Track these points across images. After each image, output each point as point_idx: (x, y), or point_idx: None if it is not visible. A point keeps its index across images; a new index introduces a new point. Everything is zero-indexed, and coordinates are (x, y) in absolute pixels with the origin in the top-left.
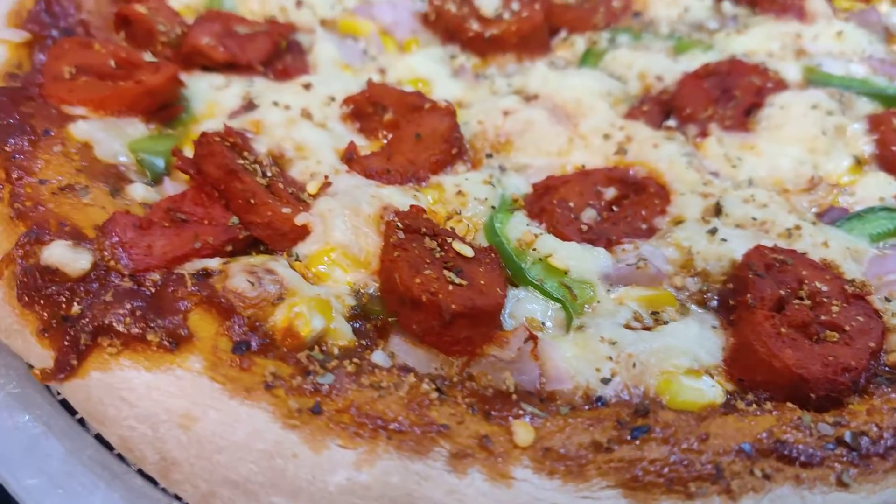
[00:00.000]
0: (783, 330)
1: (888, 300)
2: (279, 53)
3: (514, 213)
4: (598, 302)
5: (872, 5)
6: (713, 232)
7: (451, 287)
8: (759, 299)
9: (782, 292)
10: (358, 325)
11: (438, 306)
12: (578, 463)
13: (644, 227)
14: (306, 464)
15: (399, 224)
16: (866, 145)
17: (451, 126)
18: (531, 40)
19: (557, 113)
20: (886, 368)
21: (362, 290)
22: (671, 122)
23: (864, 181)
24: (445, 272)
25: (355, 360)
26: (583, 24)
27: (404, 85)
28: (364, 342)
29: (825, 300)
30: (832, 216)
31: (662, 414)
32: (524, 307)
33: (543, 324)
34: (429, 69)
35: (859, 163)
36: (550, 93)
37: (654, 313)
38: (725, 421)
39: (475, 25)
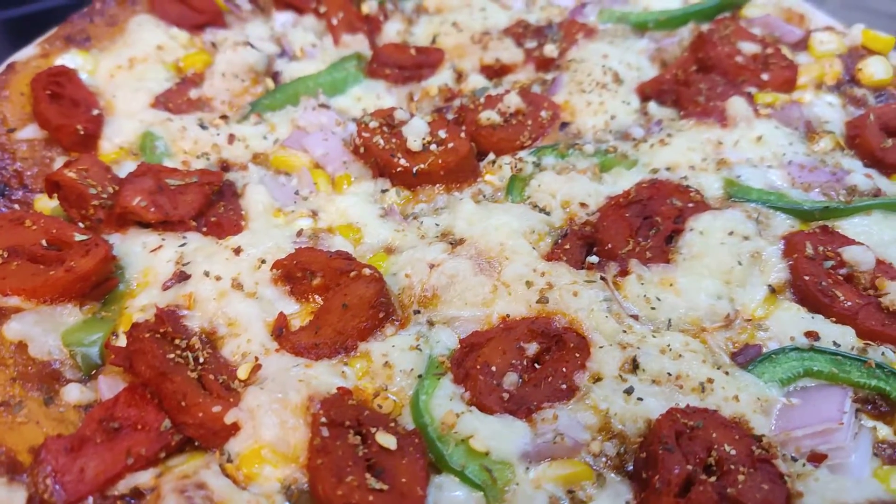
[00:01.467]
0: None
1: (794, 459)
2: (212, 203)
3: (439, 379)
4: (517, 484)
5: (795, 100)
6: (629, 392)
7: (371, 498)
8: (666, 483)
9: (690, 467)
10: None
11: None
12: None
13: (564, 386)
14: None
15: (324, 419)
16: (781, 272)
17: (376, 292)
18: (459, 171)
19: (481, 261)
20: None
21: (293, 487)
22: (593, 259)
23: (778, 315)
24: (367, 476)
25: None
26: (510, 145)
27: (336, 232)
28: None
29: (732, 467)
30: (747, 355)
31: None
32: (446, 496)
33: None
34: (359, 212)
35: (774, 292)
36: (475, 236)
37: (570, 492)
38: None
39: (403, 161)
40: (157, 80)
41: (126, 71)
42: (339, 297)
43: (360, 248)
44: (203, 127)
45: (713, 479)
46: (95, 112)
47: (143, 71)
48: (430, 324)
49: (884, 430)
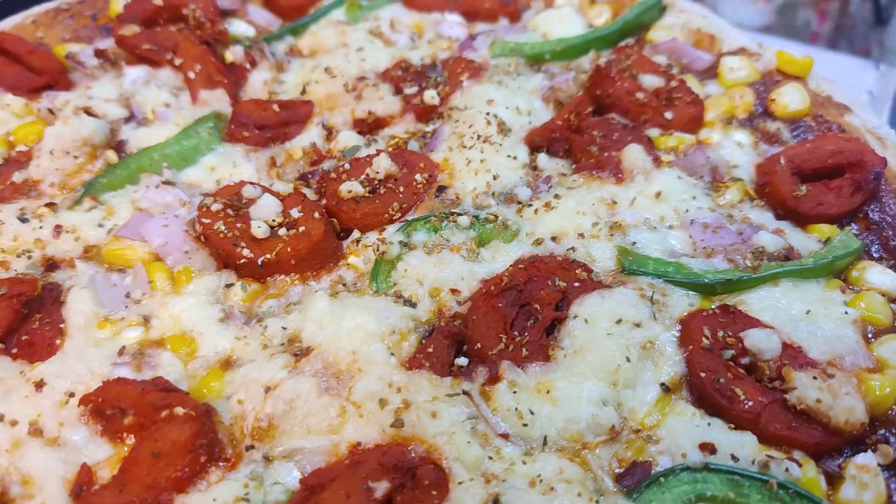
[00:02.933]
0: None
1: None
2: (25, 317)
3: None
4: None
5: (700, 143)
6: None
7: None
8: None
9: None
10: None
11: None
12: None
13: None
14: None
15: None
16: (676, 365)
17: (193, 434)
18: (313, 258)
19: (328, 377)
20: None
21: None
22: (462, 361)
23: (670, 422)
24: None
25: None
26: (376, 219)
27: (166, 346)
28: None
29: None
30: (635, 477)
31: None
32: None
33: None
34: (195, 318)
35: (669, 391)
36: (324, 344)
37: None
38: None
39: (246, 251)
40: None
41: None
42: (148, 444)
43: (192, 365)
44: (23, 220)
45: None
46: None
47: None
48: (268, 460)
49: None
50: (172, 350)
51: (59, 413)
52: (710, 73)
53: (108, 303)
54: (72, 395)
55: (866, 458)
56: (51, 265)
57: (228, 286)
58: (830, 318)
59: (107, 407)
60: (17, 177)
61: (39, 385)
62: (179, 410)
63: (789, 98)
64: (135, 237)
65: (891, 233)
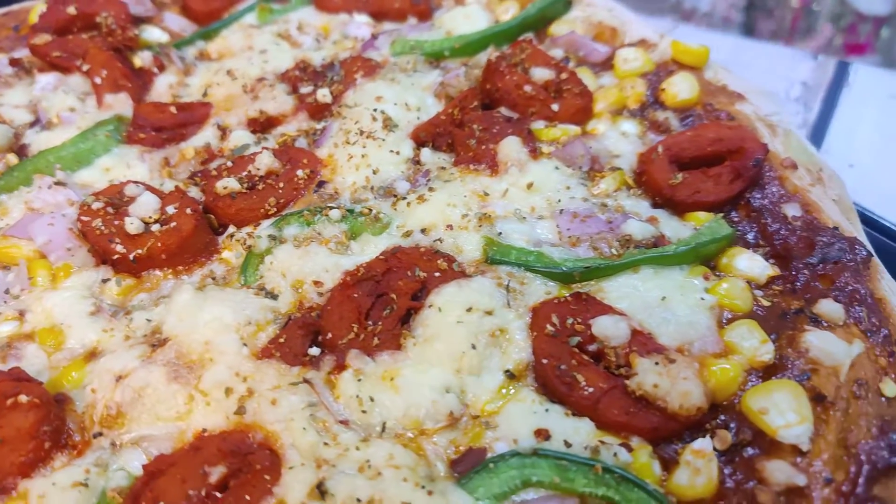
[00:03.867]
0: None
1: None
2: None
3: None
4: None
5: (580, 135)
6: None
7: None
8: None
9: None
10: None
11: None
12: None
13: None
14: None
15: None
16: (524, 352)
17: (37, 420)
18: (184, 253)
19: (178, 366)
20: None
21: None
22: (314, 351)
23: (509, 409)
24: None
25: None
26: (252, 215)
27: (35, 339)
28: None
29: None
30: (468, 462)
31: None
32: None
33: None
34: (66, 311)
35: (514, 378)
36: (181, 335)
37: None
38: None
39: (120, 247)
40: None
41: None
42: None
43: (56, 357)
44: None
45: None
46: None
47: None
48: (115, 447)
49: None
50: (40, 342)
51: None
52: (607, 65)
53: None
54: None
55: (703, 444)
56: None
57: (105, 281)
58: (686, 305)
59: None
60: None
61: None
62: (23, 398)
63: (679, 87)
64: (22, 236)
65: (770, 220)
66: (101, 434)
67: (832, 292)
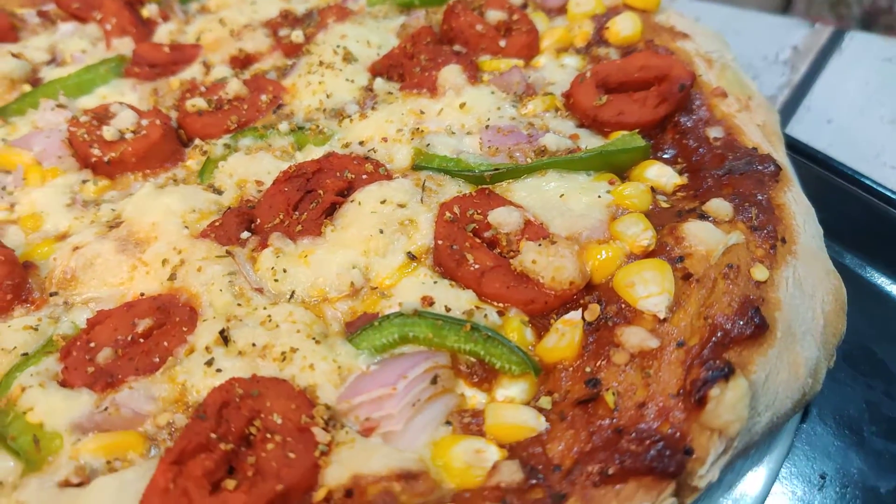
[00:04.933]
0: (173, 484)
1: (343, 426)
2: None
3: (41, 359)
4: (61, 454)
5: (519, 67)
6: (210, 363)
7: None
8: (172, 450)
9: (213, 435)
10: None
11: None
12: None
13: (157, 360)
14: None
15: None
16: (426, 238)
17: (2, 276)
18: (152, 158)
19: (128, 241)
20: None
21: None
22: (245, 235)
23: (404, 282)
24: None
25: None
26: (216, 129)
27: (17, 223)
28: None
29: (269, 436)
30: (360, 323)
31: None
32: None
33: (0, 483)
34: (47, 202)
35: (414, 259)
36: (134, 217)
37: (109, 462)
38: None
39: (97, 150)
40: None
41: None
42: None
43: (33, 236)
44: None
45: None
46: None
47: None
48: (67, 305)
49: (478, 398)
50: (21, 226)
51: None
52: (563, 10)
53: None
54: None
55: (573, 315)
56: None
57: (84, 182)
58: (583, 202)
59: None
60: None
61: None
62: None
63: (622, 25)
64: (23, 147)
65: (691, 140)
66: (56, 294)
67: (730, 197)
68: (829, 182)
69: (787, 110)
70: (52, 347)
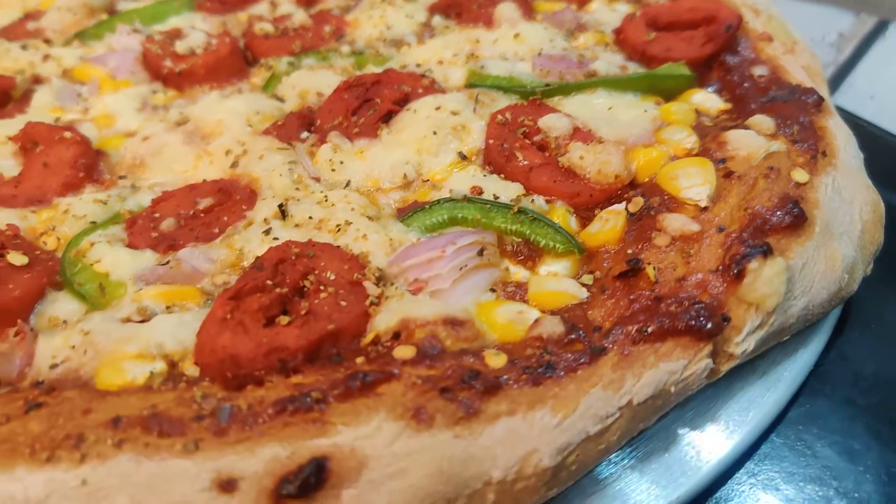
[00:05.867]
0: (230, 316)
1: (393, 284)
2: (4, 102)
3: (108, 227)
4: (124, 299)
5: (571, 8)
6: (267, 232)
7: None
8: (230, 289)
9: (270, 282)
10: None
11: None
12: None
13: (217, 231)
14: None
15: None
16: (477, 141)
17: (77, 154)
18: (220, 71)
19: (194, 135)
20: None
21: None
22: (304, 135)
23: (456, 176)
24: None
25: None
26: (281, 51)
27: (97, 120)
28: None
29: (322, 287)
30: (411, 209)
31: (67, 392)
32: (56, 307)
33: (65, 321)
34: (119, 106)
35: (465, 158)
36: (201, 116)
37: (168, 308)
38: (126, 399)
39: (169, 63)
40: (10, 18)
41: None
42: (42, 157)
43: (105, 131)
44: (24, 48)
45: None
46: None
47: (1, 12)
48: (135, 188)
49: (522, 274)
50: (94, 122)
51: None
52: None
53: (64, 100)
54: (9, 138)
55: (617, 206)
56: (36, 80)
57: (154, 92)
58: (630, 115)
59: (27, 141)
60: (31, 25)
61: None
62: (67, 135)
63: None
64: (99, 64)
65: (736, 76)
66: (124, 177)
67: (773, 118)
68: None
69: (832, 85)
70: (118, 220)
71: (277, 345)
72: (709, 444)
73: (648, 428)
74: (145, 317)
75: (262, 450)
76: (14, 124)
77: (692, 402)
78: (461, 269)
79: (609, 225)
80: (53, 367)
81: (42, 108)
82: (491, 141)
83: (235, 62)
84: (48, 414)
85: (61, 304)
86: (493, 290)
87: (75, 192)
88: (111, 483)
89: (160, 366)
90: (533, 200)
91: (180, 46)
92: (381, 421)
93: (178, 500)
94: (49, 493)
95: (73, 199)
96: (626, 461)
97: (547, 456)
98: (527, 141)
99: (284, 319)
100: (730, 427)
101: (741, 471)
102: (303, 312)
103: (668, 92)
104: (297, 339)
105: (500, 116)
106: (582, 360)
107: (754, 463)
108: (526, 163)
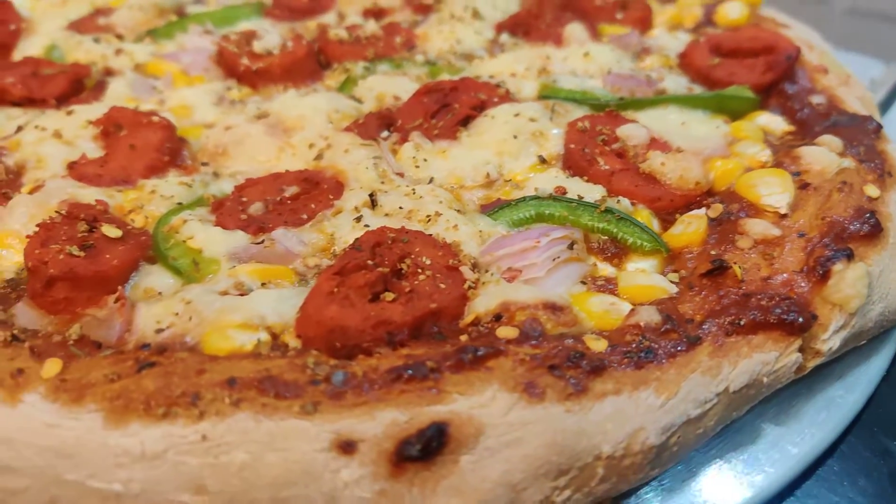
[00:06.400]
0: (336, 290)
1: (488, 271)
2: (78, 90)
3: (195, 208)
4: (218, 275)
5: (636, 30)
6: (358, 219)
7: (62, 257)
8: (333, 266)
9: (370, 262)
10: (6, 293)
11: (39, 270)
12: (81, 391)
13: (305, 217)
14: None
15: (62, 211)
16: (556, 147)
17: (163, 138)
18: (296, 71)
19: (276, 128)
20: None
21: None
22: (385, 134)
23: (538, 177)
24: (70, 247)
25: None
26: (355, 57)
27: (174, 110)
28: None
29: (419, 271)
30: (492, 207)
31: (178, 354)
32: (150, 279)
33: (160, 293)
34: (196, 99)
35: (544, 161)
36: (281, 111)
37: (263, 284)
38: (238, 363)
39: (246, 61)
40: (78, 13)
41: (58, 7)
42: (128, 139)
43: (183, 122)
44: (96, 41)
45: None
46: (13, 27)
47: (70, 6)
48: (216, 175)
49: (608, 270)
50: (172, 112)
51: (78, 131)
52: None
53: (139, 92)
54: (90, 122)
55: (697, 211)
56: (108, 72)
57: (229, 89)
58: (702, 130)
59: (110, 125)
60: (101, 21)
61: (69, 112)
62: (156, 118)
63: (731, 9)
64: (172, 60)
65: (796, 104)
66: (207, 164)
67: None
68: None
69: None
70: (202, 203)
71: (384, 318)
72: (793, 438)
73: (736, 420)
74: (242, 291)
75: (380, 414)
76: (93, 110)
77: (775, 400)
78: (554, 259)
79: (692, 228)
80: (159, 331)
81: (118, 97)
82: (572, 146)
83: (310, 64)
84: (161, 373)
85: (155, 278)
86: (583, 283)
87: (159, 174)
88: (230, 439)
89: (264, 336)
90: (619, 201)
91: (257, 46)
92: (495, 392)
93: (298, 458)
94: (167, 447)
95: (159, 181)
96: (712, 451)
97: (653, 434)
98: (606, 148)
99: (389, 296)
100: (812, 424)
101: (822, 467)
102: (406, 290)
103: (733, 113)
104: (403, 314)
105: (579, 124)
106: (680, 348)
107: (834, 460)
108: (607, 167)
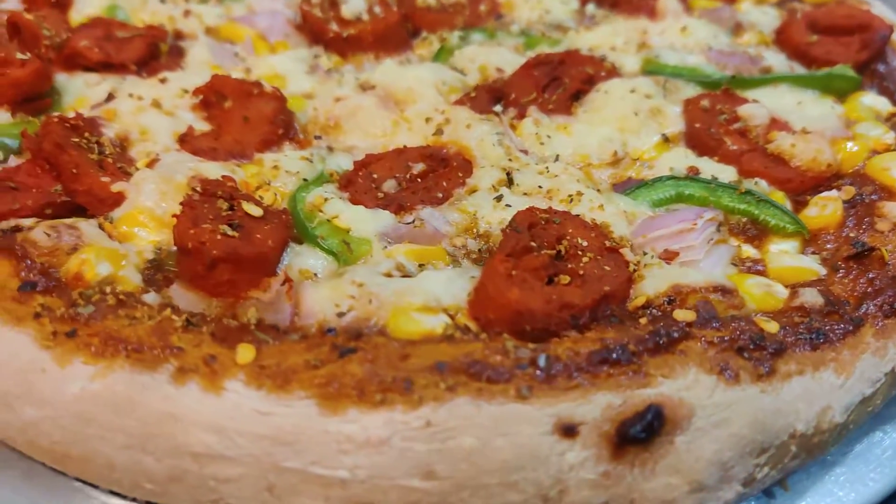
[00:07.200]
0: (514, 273)
1: (645, 253)
2: (156, 55)
3: (323, 184)
4: (372, 256)
5: (727, 4)
6: (499, 199)
7: (219, 237)
8: (502, 248)
9: (533, 244)
10: (151, 275)
11: (202, 252)
12: (285, 378)
13: (440, 195)
14: (52, 377)
15: (199, 188)
16: (677, 125)
17: (276, 109)
18: (387, 39)
19: (387, 100)
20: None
21: (164, 248)
22: (498, 108)
23: (666, 156)
24: (222, 226)
25: (121, 296)
26: (444, 25)
27: (266, 79)
28: (149, 288)
29: (579, 253)
30: (629, 185)
31: (375, 339)
32: (302, 260)
33: (316, 274)
34: (287, 67)
35: (667, 140)
36: (388, 82)
37: (420, 266)
38: (437, 347)
39: (335, 27)
40: None
41: None
42: (241, 111)
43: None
44: (163, 2)
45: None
46: None
47: None
48: (330, 149)
49: (751, 252)
50: (266, 81)
51: (175, 100)
52: None
53: (221, 59)
54: (186, 91)
55: (829, 193)
56: (179, 35)
57: (316, 56)
58: (818, 110)
59: (212, 94)
60: None
61: (163, 80)
62: (268, 88)
63: None
64: (246, 24)
65: (891, 84)
66: (319, 137)
67: None
68: None
69: None
70: (327, 179)
71: (566, 301)
72: None
73: None
74: (404, 273)
75: (595, 397)
76: (185, 77)
77: None
78: (709, 241)
79: (828, 210)
80: (340, 315)
81: (200, 65)
82: (697, 125)
83: (401, 32)
84: (364, 358)
85: (307, 258)
86: (733, 265)
87: (273, 148)
88: (454, 424)
89: (445, 318)
90: (756, 182)
91: (346, 10)
92: (696, 374)
93: (524, 441)
94: (392, 433)
95: (278, 156)
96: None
97: (838, 412)
98: (730, 127)
99: (565, 279)
100: None
101: None
102: (580, 273)
103: (837, 92)
104: (582, 297)
105: (702, 102)
106: (848, 329)
107: None
108: (735, 147)
